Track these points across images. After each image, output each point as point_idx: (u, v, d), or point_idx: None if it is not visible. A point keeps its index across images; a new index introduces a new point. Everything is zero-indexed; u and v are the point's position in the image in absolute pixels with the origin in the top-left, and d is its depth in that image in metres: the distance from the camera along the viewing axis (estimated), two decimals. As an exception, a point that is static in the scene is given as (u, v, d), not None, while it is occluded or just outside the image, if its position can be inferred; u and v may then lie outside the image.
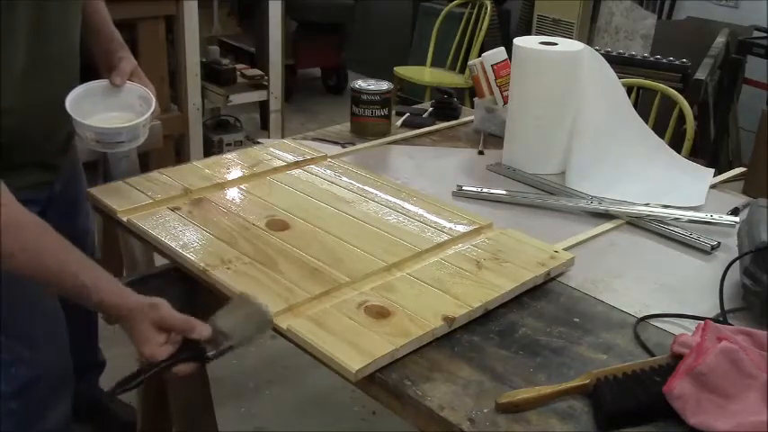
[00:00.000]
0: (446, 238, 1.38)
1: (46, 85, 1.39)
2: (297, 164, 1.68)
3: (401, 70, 4.22)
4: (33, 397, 1.56)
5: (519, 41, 1.73)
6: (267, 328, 1.12)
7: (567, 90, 1.70)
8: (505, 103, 1.93)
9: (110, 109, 1.44)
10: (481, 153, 1.88)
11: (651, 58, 3.11)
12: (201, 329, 1.10)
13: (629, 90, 2.20)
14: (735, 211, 1.52)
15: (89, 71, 1.52)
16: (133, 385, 1.07)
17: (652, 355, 1.09)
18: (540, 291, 1.26)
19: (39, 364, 1.56)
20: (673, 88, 2.27)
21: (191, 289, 1.46)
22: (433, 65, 4.28)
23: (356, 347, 1.05)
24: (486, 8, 4.12)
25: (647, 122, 1.91)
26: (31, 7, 1.31)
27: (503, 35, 4.45)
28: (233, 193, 1.53)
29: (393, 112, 2.02)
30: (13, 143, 1.36)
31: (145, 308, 1.11)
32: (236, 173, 1.61)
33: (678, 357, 1.00)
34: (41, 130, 1.43)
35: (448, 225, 1.43)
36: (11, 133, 1.35)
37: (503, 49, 2.01)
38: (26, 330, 1.53)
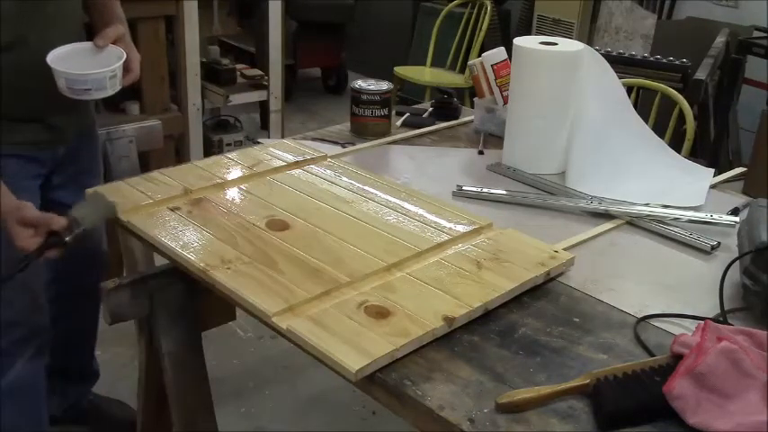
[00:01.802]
0: (446, 237, 1.38)
1: (41, 36, 1.49)
2: (297, 164, 1.68)
3: (401, 70, 4.22)
4: (6, 340, 1.62)
5: (519, 41, 1.73)
6: (111, 213, 1.39)
7: (566, 90, 1.70)
8: (505, 103, 1.93)
9: (90, 68, 1.50)
10: (481, 153, 1.88)
11: (651, 58, 3.11)
12: (59, 220, 1.34)
13: (629, 90, 2.20)
14: (735, 211, 1.52)
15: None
16: (19, 269, 1.33)
17: (652, 355, 1.09)
18: (540, 291, 1.26)
19: (13, 308, 1.61)
20: (673, 88, 2.27)
21: (191, 289, 1.46)
22: (433, 65, 4.29)
23: (356, 347, 1.05)
24: (486, 8, 4.12)
25: (647, 122, 1.91)
26: None
27: (503, 35, 4.45)
28: (233, 193, 1.53)
29: (393, 112, 2.02)
30: (9, 85, 1.46)
31: (13, 210, 1.34)
32: (236, 173, 1.61)
33: (678, 357, 1.00)
34: (38, 79, 1.48)
35: (448, 225, 1.42)
36: (7, 74, 1.46)
37: (503, 49, 2.01)
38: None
